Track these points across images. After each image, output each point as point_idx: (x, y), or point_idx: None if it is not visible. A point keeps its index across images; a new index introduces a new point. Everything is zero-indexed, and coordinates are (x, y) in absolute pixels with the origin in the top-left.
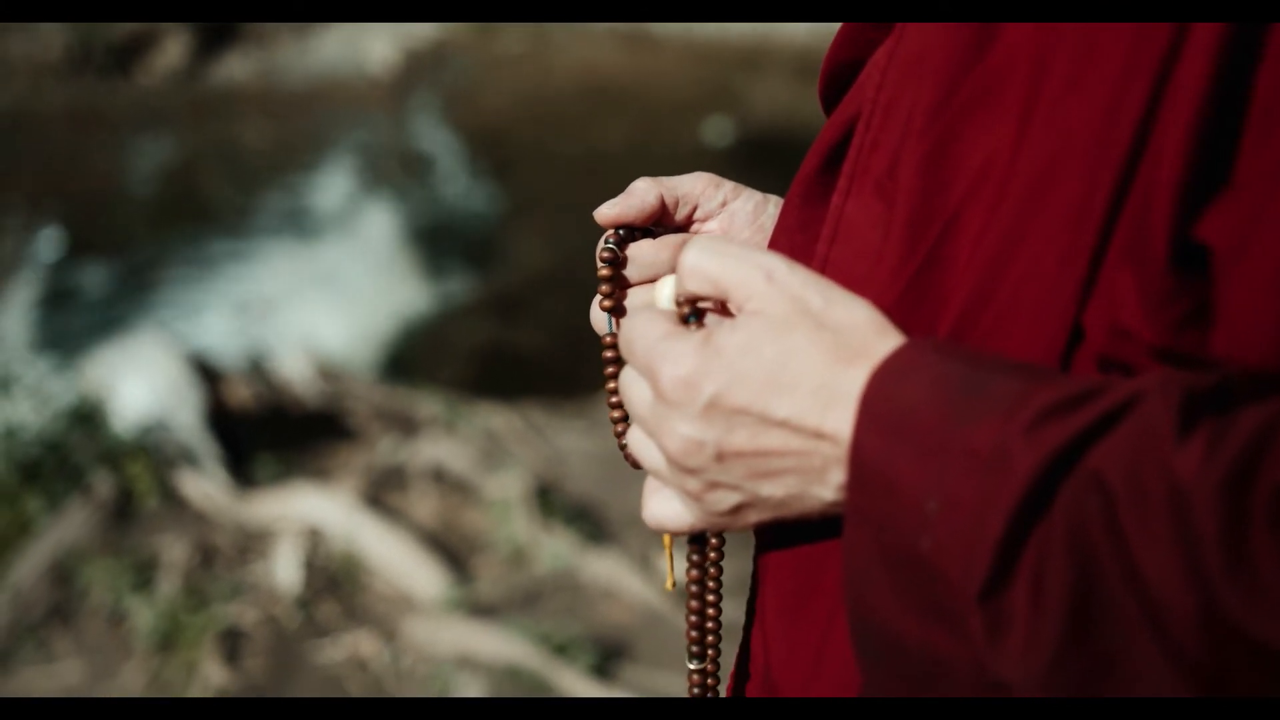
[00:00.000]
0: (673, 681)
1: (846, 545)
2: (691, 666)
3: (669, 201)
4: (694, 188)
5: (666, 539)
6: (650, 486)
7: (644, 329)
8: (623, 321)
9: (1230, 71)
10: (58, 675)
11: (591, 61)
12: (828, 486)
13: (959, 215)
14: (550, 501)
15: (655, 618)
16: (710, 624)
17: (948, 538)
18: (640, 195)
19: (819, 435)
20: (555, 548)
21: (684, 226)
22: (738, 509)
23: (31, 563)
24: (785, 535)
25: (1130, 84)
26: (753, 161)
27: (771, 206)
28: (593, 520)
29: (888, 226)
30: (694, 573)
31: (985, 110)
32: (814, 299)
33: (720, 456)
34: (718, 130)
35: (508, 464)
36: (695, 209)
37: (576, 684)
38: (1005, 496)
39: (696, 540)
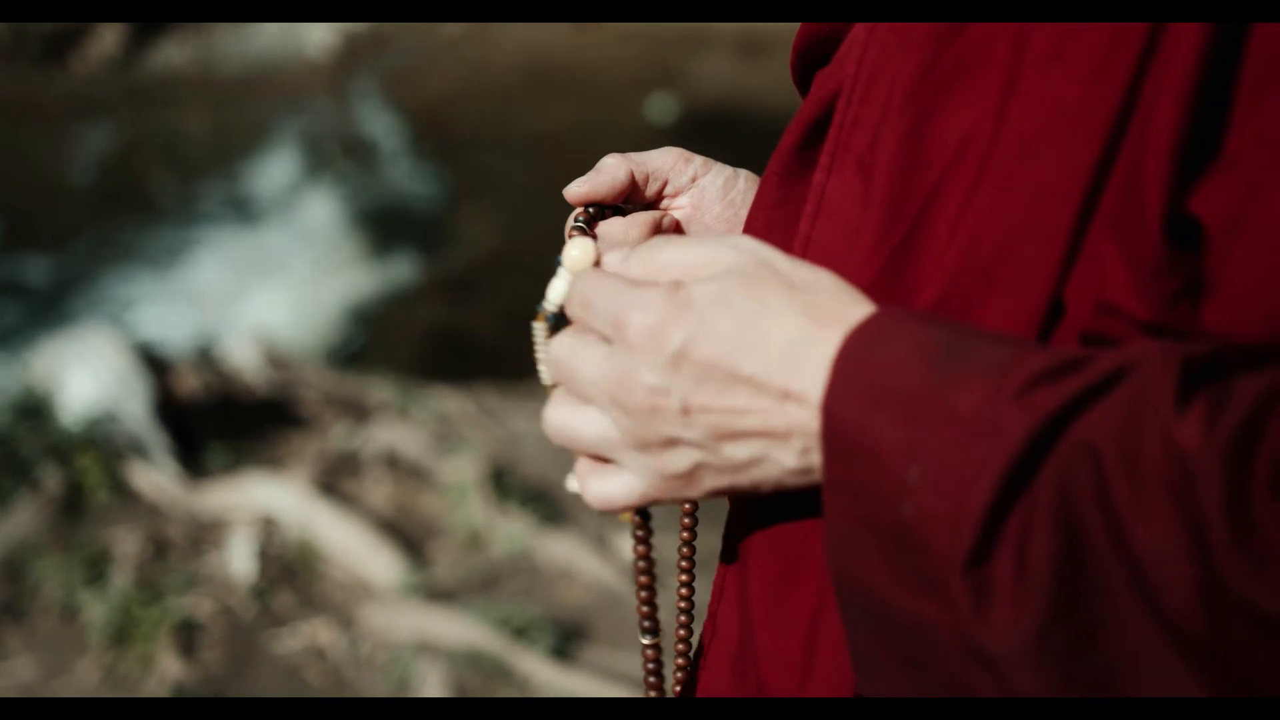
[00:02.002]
0: (633, 661)
1: (827, 511)
2: (645, 641)
3: (639, 177)
4: (664, 163)
5: (624, 515)
6: (584, 468)
7: (604, 281)
8: (575, 278)
9: (1220, 39)
10: (11, 673)
11: (533, 41)
12: (790, 450)
13: (938, 191)
14: (505, 484)
15: (613, 597)
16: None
17: (931, 505)
18: (610, 172)
19: (786, 395)
20: (511, 530)
21: (654, 203)
22: (693, 471)
23: None
24: (768, 513)
25: (1116, 52)
26: (696, 138)
27: (741, 181)
28: (548, 502)
29: (866, 204)
30: (641, 548)
31: (965, 84)
32: (782, 264)
33: (686, 410)
34: (661, 108)
35: (461, 448)
36: (665, 185)
37: (537, 667)
38: (994, 463)
39: (642, 514)
